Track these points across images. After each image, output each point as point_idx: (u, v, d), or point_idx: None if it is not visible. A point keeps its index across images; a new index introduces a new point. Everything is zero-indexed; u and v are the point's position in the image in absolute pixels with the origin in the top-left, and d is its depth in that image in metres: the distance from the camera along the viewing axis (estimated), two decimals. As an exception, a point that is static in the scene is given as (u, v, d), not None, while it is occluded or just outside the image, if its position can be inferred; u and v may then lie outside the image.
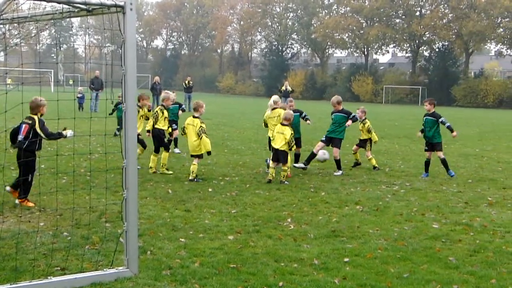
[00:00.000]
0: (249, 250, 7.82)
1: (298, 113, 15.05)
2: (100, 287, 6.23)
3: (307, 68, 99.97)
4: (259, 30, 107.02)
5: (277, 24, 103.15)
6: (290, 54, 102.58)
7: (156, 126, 14.18)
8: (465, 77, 79.81)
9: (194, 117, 13.35)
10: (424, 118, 14.57)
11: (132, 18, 6.49)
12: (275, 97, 14.87)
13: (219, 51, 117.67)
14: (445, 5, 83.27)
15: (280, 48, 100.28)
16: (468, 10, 79.65)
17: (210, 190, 12.00)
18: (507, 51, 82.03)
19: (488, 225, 9.58)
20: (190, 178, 12.97)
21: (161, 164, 14.00)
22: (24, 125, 9.83)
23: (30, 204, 9.82)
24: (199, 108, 13.43)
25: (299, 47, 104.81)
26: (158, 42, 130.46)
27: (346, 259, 7.49)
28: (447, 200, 11.64)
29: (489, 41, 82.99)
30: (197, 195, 11.48)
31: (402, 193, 12.29)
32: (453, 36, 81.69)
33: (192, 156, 13.39)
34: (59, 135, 9.89)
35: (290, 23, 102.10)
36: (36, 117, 9.82)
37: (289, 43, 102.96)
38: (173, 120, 17.68)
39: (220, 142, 19.74)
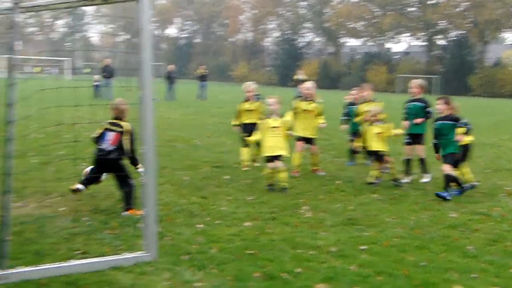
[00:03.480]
0: (266, 237, 7.86)
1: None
2: (120, 271, 6.29)
3: (321, 57, 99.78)
4: (272, 19, 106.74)
5: (290, 13, 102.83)
6: (303, 43, 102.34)
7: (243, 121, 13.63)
8: (481, 66, 79.43)
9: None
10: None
11: (146, 6, 6.50)
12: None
13: (232, 40, 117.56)
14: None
15: (293, 37, 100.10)
16: (483, -1, 79.20)
17: (225, 177, 12.04)
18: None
19: (506, 215, 9.55)
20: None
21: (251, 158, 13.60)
22: (113, 133, 8.92)
23: (139, 212, 8.36)
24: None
25: (312, 36, 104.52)
26: (171, 31, 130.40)
27: (362, 247, 7.51)
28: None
29: (505, 29, 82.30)
30: (213, 182, 11.53)
31: (419, 183, 12.26)
32: (469, 25, 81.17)
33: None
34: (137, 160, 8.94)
35: (303, 11, 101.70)
36: (126, 125, 9.02)
37: (302, 32, 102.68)
38: None
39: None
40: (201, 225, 8.28)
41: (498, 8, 77.76)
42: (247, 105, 13.70)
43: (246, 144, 13.29)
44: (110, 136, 8.94)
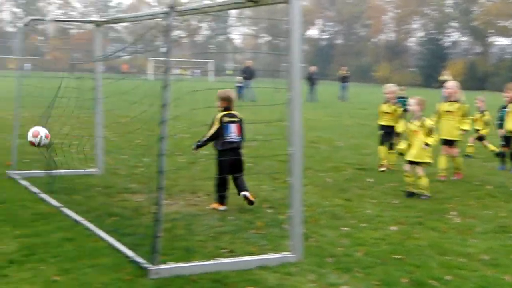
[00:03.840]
0: (413, 241, 7.65)
1: None
2: (266, 270, 6.35)
3: (467, 57, 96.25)
4: (416, 19, 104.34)
5: (435, 12, 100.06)
6: (448, 43, 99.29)
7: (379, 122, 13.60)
8: None
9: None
10: None
11: (297, 7, 6.51)
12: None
13: (374, 40, 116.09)
14: None
15: (438, 37, 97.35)
16: None
17: (369, 180, 11.88)
18: None
19: None
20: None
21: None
22: (234, 124, 9.00)
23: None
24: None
25: (458, 35, 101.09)
26: (312, 32, 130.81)
27: (517, 256, 7.15)
28: None
29: None
30: (356, 184, 11.41)
31: None
32: None
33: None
34: None
35: (449, 10, 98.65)
36: (239, 114, 9.20)
37: (447, 31, 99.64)
38: None
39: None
40: (346, 228, 8.20)
41: None
42: (385, 107, 13.46)
43: (382, 143, 13.28)
44: (234, 127, 9.04)
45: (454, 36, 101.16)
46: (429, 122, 10.67)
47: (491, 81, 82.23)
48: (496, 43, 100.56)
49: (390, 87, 13.91)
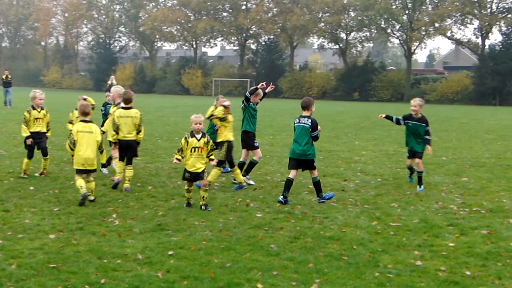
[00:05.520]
0: (71, 248, 7.62)
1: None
2: None
3: (136, 61, 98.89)
4: (85, 23, 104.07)
5: (104, 17, 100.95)
6: (118, 47, 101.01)
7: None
8: (290, 69, 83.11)
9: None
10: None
11: None
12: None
13: (43, 43, 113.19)
14: (270, 0, 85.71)
15: (108, 41, 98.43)
16: (291, 5, 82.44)
17: (31, 188, 11.53)
18: (328, 45, 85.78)
19: (308, 212, 10.03)
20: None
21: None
22: None
23: None
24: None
25: (127, 40, 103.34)
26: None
27: (170, 252, 7.53)
28: (271, 190, 12.02)
29: (312, 35, 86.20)
30: (17, 194, 10.99)
31: (228, 184, 12.51)
32: (278, 30, 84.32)
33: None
34: None
35: (117, 15, 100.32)
36: None
37: (116, 36, 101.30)
38: None
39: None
40: (1, 241, 7.83)
41: (305, 14, 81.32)
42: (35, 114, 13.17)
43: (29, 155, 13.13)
44: None
45: (123, 41, 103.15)
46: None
47: (159, 85, 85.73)
48: (163, 48, 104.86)
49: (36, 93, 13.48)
